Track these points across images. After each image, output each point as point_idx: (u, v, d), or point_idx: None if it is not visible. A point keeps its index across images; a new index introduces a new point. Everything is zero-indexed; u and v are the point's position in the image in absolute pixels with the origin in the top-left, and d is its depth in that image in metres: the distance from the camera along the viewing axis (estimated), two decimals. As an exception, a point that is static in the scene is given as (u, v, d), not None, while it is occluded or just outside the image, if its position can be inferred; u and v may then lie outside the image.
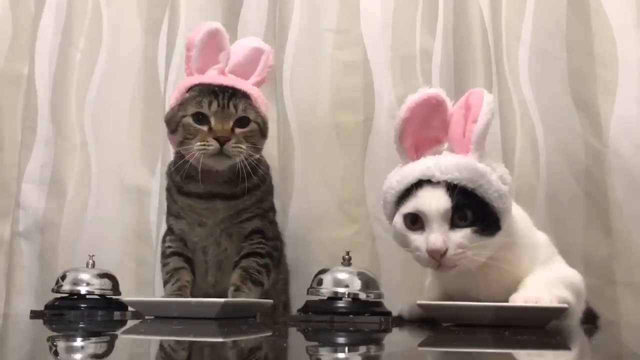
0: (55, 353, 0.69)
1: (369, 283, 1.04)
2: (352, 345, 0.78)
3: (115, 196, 1.58)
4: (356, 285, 1.03)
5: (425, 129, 1.01)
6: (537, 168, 1.35)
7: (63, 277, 1.20)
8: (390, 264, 1.38)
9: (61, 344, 0.77)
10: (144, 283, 1.50)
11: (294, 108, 1.47)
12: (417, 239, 0.95)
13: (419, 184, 0.96)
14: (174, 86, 1.53)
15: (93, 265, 1.23)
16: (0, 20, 1.71)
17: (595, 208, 1.29)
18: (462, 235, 0.93)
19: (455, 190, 0.94)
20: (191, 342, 0.78)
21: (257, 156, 1.22)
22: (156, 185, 1.55)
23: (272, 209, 1.31)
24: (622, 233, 1.26)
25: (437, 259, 0.93)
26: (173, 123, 1.22)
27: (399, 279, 1.36)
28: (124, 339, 0.87)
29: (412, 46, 1.46)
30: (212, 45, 1.23)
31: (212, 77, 1.23)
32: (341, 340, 0.85)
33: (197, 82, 1.22)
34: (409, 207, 0.96)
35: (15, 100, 1.67)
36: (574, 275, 1.03)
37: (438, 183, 0.95)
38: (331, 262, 1.11)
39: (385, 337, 0.92)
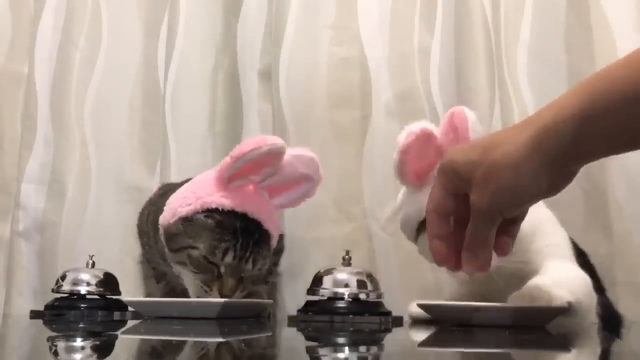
0: (55, 353, 0.69)
1: (369, 283, 1.04)
2: (352, 345, 0.78)
3: (115, 196, 1.58)
4: (356, 285, 1.03)
5: (421, 160, 1.04)
6: (537, 168, 1.35)
7: (63, 277, 1.20)
8: (387, 262, 1.38)
9: (61, 344, 0.77)
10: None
11: (290, 105, 1.47)
12: None
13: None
14: (174, 86, 1.53)
15: (93, 265, 1.23)
16: (0, 20, 1.71)
17: (595, 208, 1.29)
18: None
19: None
20: (191, 342, 0.78)
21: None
22: (156, 185, 1.54)
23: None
24: (622, 233, 1.26)
25: None
26: (176, 244, 1.06)
27: (396, 277, 1.36)
28: (124, 339, 0.87)
29: (410, 43, 1.46)
30: (262, 162, 1.05)
31: (239, 201, 1.05)
32: (341, 340, 0.85)
33: (220, 206, 1.04)
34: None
35: (15, 100, 1.67)
36: (582, 273, 1.02)
37: None
38: (328, 261, 1.11)
39: (385, 337, 0.92)
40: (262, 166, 1.05)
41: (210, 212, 1.04)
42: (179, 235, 1.06)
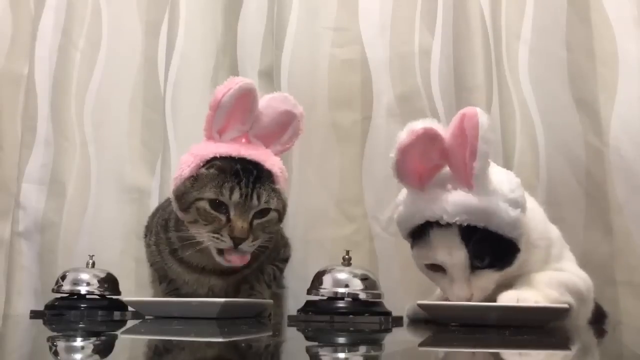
0: (55, 353, 0.69)
1: (369, 283, 1.04)
2: (352, 345, 0.78)
3: (115, 196, 1.58)
4: (356, 285, 1.02)
5: (424, 161, 0.98)
6: (537, 167, 1.35)
7: (63, 277, 1.20)
8: (388, 263, 1.38)
9: (61, 344, 0.77)
10: (144, 283, 1.49)
11: None
12: (442, 280, 0.97)
13: (429, 224, 0.96)
14: (174, 86, 1.53)
15: (93, 265, 1.23)
16: (0, 20, 1.71)
17: (595, 208, 1.29)
18: (484, 278, 0.95)
19: (469, 231, 0.93)
20: (191, 342, 0.78)
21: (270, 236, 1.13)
22: (156, 185, 1.55)
23: (279, 245, 1.24)
24: (622, 233, 1.26)
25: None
26: (185, 202, 1.09)
27: (396, 278, 1.36)
28: (124, 339, 0.87)
29: (411, 44, 1.46)
30: (241, 106, 1.10)
31: (234, 147, 1.10)
32: (341, 340, 0.85)
33: (217, 154, 1.09)
34: (426, 257, 0.97)
35: (15, 100, 1.68)
36: (577, 278, 1.02)
37: (449, 225, 0.94)
38: (329, 262, 1.11)
39: (385, 337, 0.92)
40: (244, 112, 1.10)
41: (209, 162, 1.09)
42: (187, 192, 1.09)
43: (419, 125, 0.95)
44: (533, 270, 0.98)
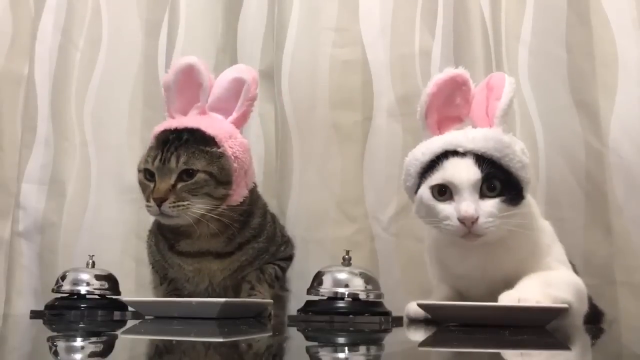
0: (55, 353, 0.69)
1: (369, 283, 1.04)
2: (352, 345, 0.78)
3: (115, 196, 1.57)
4: (356, 285, 1.03)
5: (448, 106, 1.04)
6: (537, 168, 1.35)
7: (63, 277, 1.20)
8: (389, 263, 1.38)
9: (61, 344, 0.77)
10: (144, 283, 1.50)
11: (292, 106, 1.47)
12: (446, 208, 0.97)
13: (444, 155, 0.99)
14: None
15: (93, 265, 1.23)
16: (0, 20, 1.71)
17: (595, 208, 1.29)
18: (491, 204, 0.96)
19: (484, 161, 0.97)
20: (191, 342, 0.78)
21: (222, 206, 1.12)
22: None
23: (278, 241, 1.25)
24: (622, 233, 1.26)
25: (468, 226, 0.95)
26: (138, 177, 1.16)
27: (397, 278, 1.36)
28: (124, 339, 0.87)
29: (411, 45, 1.46)
30: (189, 84, 1.15)
31: (180, 119, 1.15)
32: (341, 340, 0.85)
33: (162, 128, 1.15)
34: (437, 178, 0.99)
35: (15, 100, 1.68)
36: (575, 277, 1.03)
37: (465, 154, 0.98)
38: (330, 262, 1.11)
39: (385, 337, 0.92)
40: (193, 88, 1.14)
41: (156, 135, 1.15)
42: (138, 169, 1.15)
43: (452, 70, 1.04)
44: (528, 255, 1.00)
